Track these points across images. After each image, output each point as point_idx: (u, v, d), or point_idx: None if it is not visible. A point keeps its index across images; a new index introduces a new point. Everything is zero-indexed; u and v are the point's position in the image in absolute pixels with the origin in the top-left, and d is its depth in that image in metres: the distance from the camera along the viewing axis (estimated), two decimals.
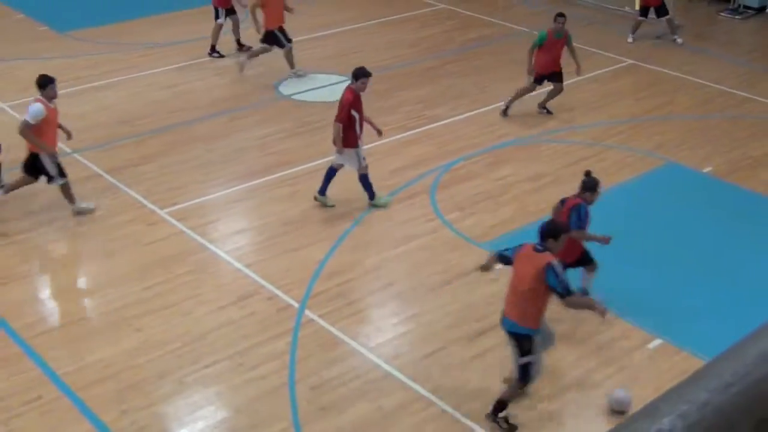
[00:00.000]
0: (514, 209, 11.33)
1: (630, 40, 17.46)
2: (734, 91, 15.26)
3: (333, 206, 11.27)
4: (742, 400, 0.69)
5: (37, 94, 10.46)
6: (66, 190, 10.83)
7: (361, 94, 11.07)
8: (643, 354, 8.66)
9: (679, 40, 17.42)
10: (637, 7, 17.37)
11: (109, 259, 10.13)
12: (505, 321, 7.57)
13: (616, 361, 8.56)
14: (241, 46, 16.69)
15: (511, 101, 13.98)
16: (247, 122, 13.75)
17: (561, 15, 13.54)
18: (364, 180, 11.18)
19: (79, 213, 10.93)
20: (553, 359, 8.51)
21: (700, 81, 15.68)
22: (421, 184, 11.91)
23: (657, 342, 8.82)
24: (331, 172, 11.20)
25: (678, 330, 9.05)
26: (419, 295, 9.55)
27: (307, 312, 9.19)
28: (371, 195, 11.28)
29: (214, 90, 14.96)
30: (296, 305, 9.29)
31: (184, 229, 10.71)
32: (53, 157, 10.59)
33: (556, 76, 13.74)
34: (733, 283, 9.88)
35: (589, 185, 9.00)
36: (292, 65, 15.45)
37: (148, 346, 8.64)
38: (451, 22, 18.74)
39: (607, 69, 16.09)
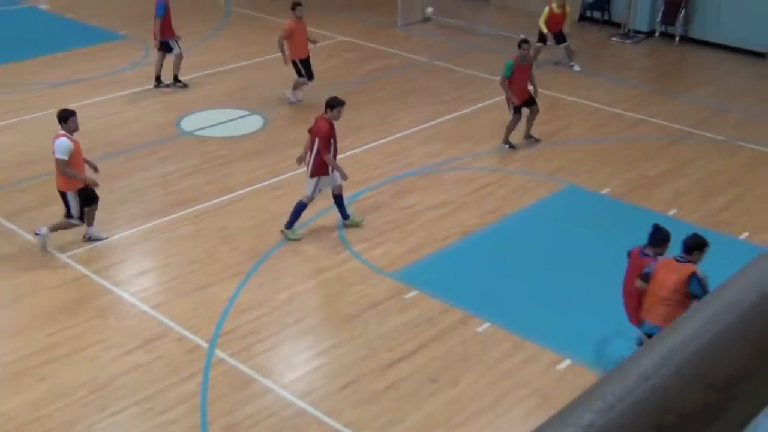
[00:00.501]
0: (421, 237, 11.42)
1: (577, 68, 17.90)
2: (628, 114, 15.75)
3: (362, 222, 11.61)
4: (624, 420, 0.72)
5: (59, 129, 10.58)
6: (65, 226, 10.92)
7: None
8: (553, 375, 8.80)
9: (577, 68, 17.91)
10: (545, 31, 17.68)
11: (11, 306, 9.82)
12: (645, 324, 8.27)
13: (527, 384, 8.67)
14: (159, 81, 16.57)
15: (507, 135, 14.12)
16: (149, 160, 13.54)
17: (525, 41, 13.96)
18: (299, 208, 11.20)
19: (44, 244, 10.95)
20: (465, 385, 8.59)
21: (596, 105, 16.14)
22: (329, 216, 11.91)
23: (566, 362, 8.98)
24: (339, 199, 11.43)
25: (586, 350, 9.24)
26: (331, 328, 9.52)
27: (217, 351, 9.06)
28: (290, 224, 11.26)
29: (114, 129, 14.70)
30: (205, 345, 9.15)
31: (88, 272, 10.46)
32: (81, 192, 10.71)
33: (530, 101, 14.02)
34: None
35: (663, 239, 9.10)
36: (293, 89, 15.82)
37: (53, 396, 8.38)
38: (351, 54, 18.87)
39: (504, 96, 16.39)
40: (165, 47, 16.38)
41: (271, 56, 18.52)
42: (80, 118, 13.43)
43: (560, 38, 17.82)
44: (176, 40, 16.43)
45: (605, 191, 12.84)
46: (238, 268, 10.60)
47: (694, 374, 0.79)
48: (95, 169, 11.14)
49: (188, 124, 14.97)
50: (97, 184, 10.90)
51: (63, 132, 10.56)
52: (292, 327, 9.56)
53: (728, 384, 0.81)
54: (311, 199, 11.26)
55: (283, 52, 15.43)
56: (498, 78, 14.16)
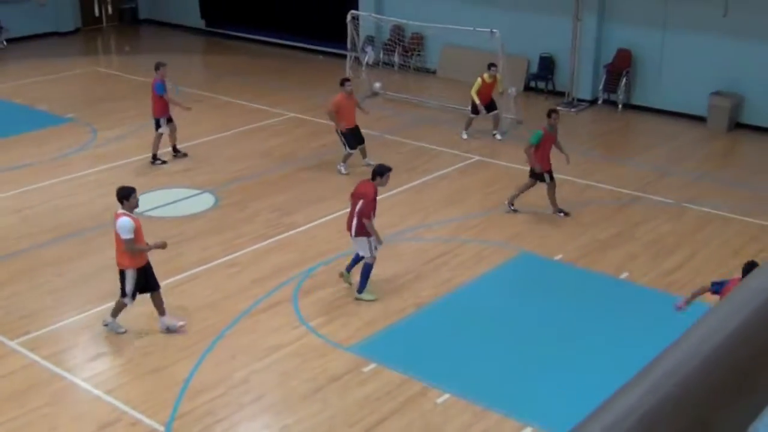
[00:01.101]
0: (377, 310, 11.36)
1: (464, 136, 18.13)
2: (577, 180, 15.99)
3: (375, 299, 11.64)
4: None
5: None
6: (120, 307, 10.68)
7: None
8: None
9: (498, 137, 18.18)
10: (477, 102, 17.99)
11: None
12: None
13: None
14: (176, 152, 17.03)
15: (514, 197, 14.33)
16: (99, 243, 13.36)
17: (554, 111, 14.49)
18: (367, 269, 11.54)
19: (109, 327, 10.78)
20: None
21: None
22: (283, 291, 11.83)
23: (528, 430, 8.92)
24: (357, 259, 11.76)
25: (547, 415, 9.19)
26: (290, 405, 9.37)
27: None
28: (362, 288, 11.56)
29: (62, 212, 14.53)
30: (162, 429, 8.94)
31: (37, 359, 10.21)
32: (139, 273, 10.51)
33: (550, 172, 14.21)
34: (596, 364, 10.15)
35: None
36: (343, 160, 16.40)
37: None
38: (301, 130, 19.00)
39: (455, 166, 16.60)
40: (157, 125, 16.69)
41: (219, 135, 18.60)
42: (28, 202, 13.35)
43: (491, 107, 18.15)
44: (167, 119, 16.69)
45: (558, 257, 12.95)
46: (194, 348, 10.43)
47: (718, 365, 0.80)
48: (163, 246, 10.70)
49: (139, 204, 14.82)
50: (165, 245, 10.68)
51: (123, 211, 10.40)
52: (250, 406, 9.40)
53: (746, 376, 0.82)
54: (374, 257, 11.56)
55: (334, 120, 16.16)
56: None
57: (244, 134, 18.72)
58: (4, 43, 27.01)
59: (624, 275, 12.39)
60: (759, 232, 13.77)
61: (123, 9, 30.57)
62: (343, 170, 16.33)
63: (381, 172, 11.63)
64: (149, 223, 14.04)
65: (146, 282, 10.63)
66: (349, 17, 21.21)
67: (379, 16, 23.22)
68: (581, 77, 20.96)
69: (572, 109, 20.67)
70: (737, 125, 19.21)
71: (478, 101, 17.91)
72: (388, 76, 21.97)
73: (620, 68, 20.50)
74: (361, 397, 9.47)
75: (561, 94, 21.27)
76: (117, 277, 12.20)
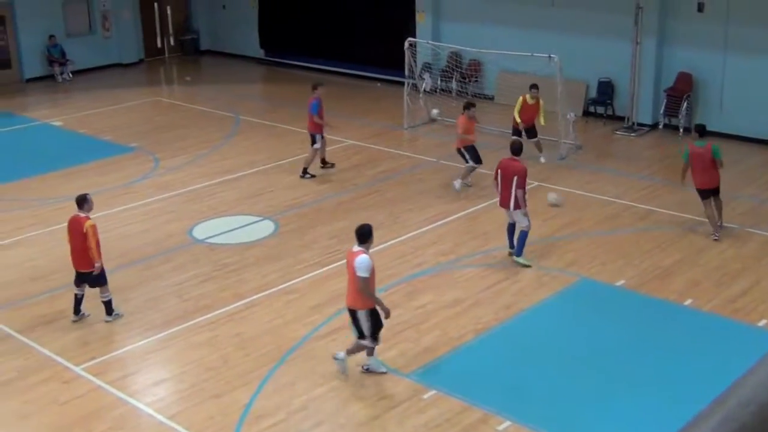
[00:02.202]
0: (436, 336, 11.34)
1: (457, 186, 17.49)
2: (638, 205, 15.81)
3: (530, 266, 13.20)
4: None
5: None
6: (358, 348, 10.39)
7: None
8: None
9: (543, 160, 18.05)
10: (518, 121, 17.98)
11: (23, 422, 9.71)
12: None
13: None
14: (325, 164, 18.08)
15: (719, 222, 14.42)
16: (162, 269, 13.59)
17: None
18: (524, 236, 13.20)
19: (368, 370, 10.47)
20: None
21: (605, 198, 16.23)
22: (342, 318, 11.84)
23: None
24: (512, 228, 13.47)
25: None
26: None
27: None
28: (519, 251, 13.25)
29: (126, 239, 14.80)
30: None
31: (102, 384, 10.38)
32: (374, 313, 10.13)
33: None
34: (660, 392, 9.98)
35: None
36: (461, 178, 16.71)
37: None
38: (359, 157, 19.12)
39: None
40: (312, 140, 17.73)
41: (279, 162, 18.80)
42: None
43: (531, 133, 18.04)
44: (321, 135, 17.69)
45: (619, 283, 12.79)
46: (254, 374, 10.51)
47: None
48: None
49: (200, 232, 15.08)
50: (388, 313, 10.27)
51: (362, 248, 10.03)
52: None
53: None
54: (530, 226, 13.23)
55: (460, 138, 16.65)
56: None
57: (303, 162, 18.87)
58: (70, 75, 27.72)
59: (687, 302, 12.19)
60: None
61: (184, 40, 31.16)
62: (458, 186, 16.52)
63: (519, 149, 13.49)
64: (210, 250, 14.26)
65: (375, 322, 10.19)
66: (406, 45, 21.34)
67: (436, 43, 23.33)
68: (641, 101, 20.76)
69: (632, 134, 20.47)
70: None
71: (519, 120, 17.90)
72: (445, 103, 22.01)
73: (681, 92, 20.26)
74: (420, 424, 9.43)
75: (621, 118, 21.09)
76: (177, 302, 12.42)
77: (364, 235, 10.10)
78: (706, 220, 14.48)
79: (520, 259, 13.27)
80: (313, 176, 17.73)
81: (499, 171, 13.41)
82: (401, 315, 11.90)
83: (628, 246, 14.09)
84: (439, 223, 15.19)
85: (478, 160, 16.71)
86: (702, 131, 14.60)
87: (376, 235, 14.54)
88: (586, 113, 21.90)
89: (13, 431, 9.63)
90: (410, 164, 18.63)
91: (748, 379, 1.08)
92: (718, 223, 14.33)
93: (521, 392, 10.07)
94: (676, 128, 20.40)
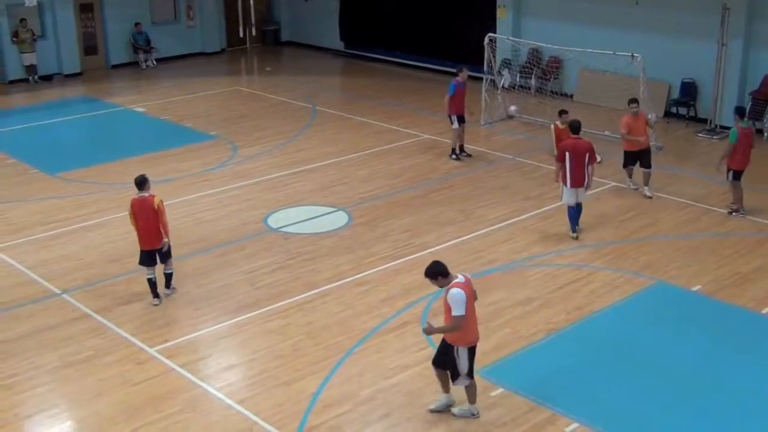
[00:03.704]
0: (506, 334, 11.27)
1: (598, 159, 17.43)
2: (718, 210, 15.47)
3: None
4: None
5: None
6: (471, 391, 9.49)
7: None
8: None
9: (599, 158, 17.36)
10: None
11: (97, 400, 9.95)
12: None
13: None
14: (462, 151, 18.50)
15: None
16: (236, 256, 13.79)
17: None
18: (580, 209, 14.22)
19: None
20: None
21: (684, 201, 15.92)
22: (412, 312, 11.88)
23: None
24: (577, 211, 14.28)
25: None
26: (416, 426, 9.39)
27: None
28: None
29: (202, 225, 15.05)
30: None
31: (174, 366, 10.58)
32: (472, 351, 9.29)
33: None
34: (732, 401, 9.77)
35: None
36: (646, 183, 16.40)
37: None
38: (435, 152, 19.08)
39: (589, 192, 16.29)
40: (450, 120, 18.36)
41: (354, 155, 18.89)
42: (172, 215, 13.86)
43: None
44: (458, 117, 18.18)
45: (696, 288, 12.54)
46: (323, 363, 10.60)
47: None
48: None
49: (274, 220, 15.25)
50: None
51: (458, 282, 9.06)
52: (377, 424, 9.46)
53: None
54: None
55: (629, 140, 16.19)
56: None
57: (378, 155, 18.95)
58: (154, 62, 28.29)
59: (765, 310, 11.89)
60: None
61: (266, 31, 31.52)
62: (648, 193, 16.25)
63: (579, 126, 14.29)
64: (284, 239, 14.42)
65: (472, 357, 9.31)
66: (486, 40, 21.22)
67: (516, 40, 23.15)
68: (725, 104, 20.27)
69: (714, 137, 20.02)
70: None
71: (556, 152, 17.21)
72: (524, 100, 21.84)
73: (767, 96, 19.73)
74: (487, 421, 9.40)
75: (703, 120, 20.65)
76: (249, 289, 12.57)
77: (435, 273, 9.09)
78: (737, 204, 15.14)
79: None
80: (459, 157, 18.43)
81: (568, 153, 13.92)
82: None
83: (706, 251, 13.79)
84: (513, 220, 15.08)
85: (625, 163, 16.53)
86: (744, 113, 15.65)
87: (448, 230, 14.62)
88: (668, 114, 21.50)
89: (86, 408, 9.88)
90: (486, 160, 18.53)
91: None
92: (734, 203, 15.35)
93: (590, 394, 9.95)
94: (760, 132, 19.88)
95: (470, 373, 9.28)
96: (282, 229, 14.91)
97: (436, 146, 19.46)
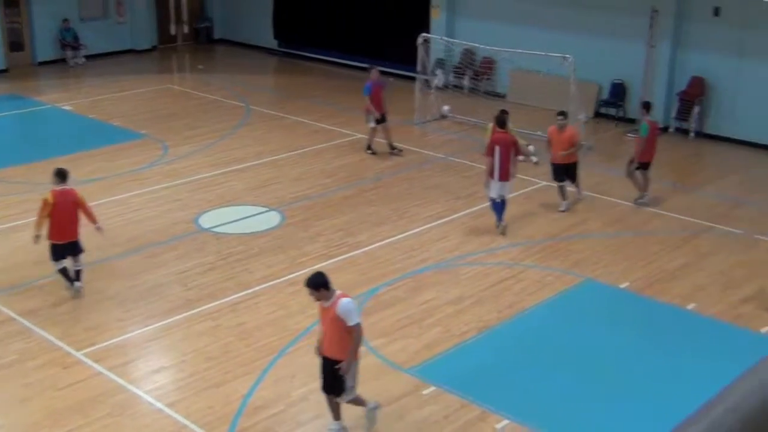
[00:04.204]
0: (438, 333, 11.32)
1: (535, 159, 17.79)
2: (645, 208, 15.76)
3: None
4: None
5: None
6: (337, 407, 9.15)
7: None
8: None
9: (535, 159, 17.79)
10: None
11: (22, 405, 9.72)
12: None
13: None
14: (392, 148, 18.71)
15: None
16: (167, 257, 13.61)
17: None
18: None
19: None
20: None
21: (612, 199, 16.18)
22: None
23: None
24: (501, 204, 14.40)
25: None
26: (348, 426, 9.36)
27: None
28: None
29: (132, 226, 14.82)
30: None
31: (102, 370, 10.39)
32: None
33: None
34: (658, 395, 9.96)
35: None
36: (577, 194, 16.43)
37: None
38: (368, 151, 19.06)
39: (520, 191, 16.48)
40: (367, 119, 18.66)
41: (287, 154, 18.79)
42: (101, 215, 13.61)
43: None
44: (372, 115, 18.44)
45: (624, 285, 12.76)
46: (254, 365, 10.52)
47: None
48: None
49: (206, 220, 15.09)
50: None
51: (342, 293, 8.76)
52: (309, 425, 9.42)
53: None
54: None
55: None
56: None
57: (311, 154, 18.89)
58: (83, 59, 27.76)
59: (691, 306, 12.15)
60: None
61: (198, 28, 31.17)
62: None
63: (505, 121, 14.88)
64: (216, 239, 14.27)
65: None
66: (420, 40, 21.30)
67: (450, 40, 23.27)
68: (653, 104, 20.65)
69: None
70: None
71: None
72: (457, 100, 21.98)
73: (693, 96, 20.18)
74: (419, 419, 9.43)
75: (632, 120, 21.01)
76: (180, 291, 12.41)
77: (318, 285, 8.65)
78: (711, 224, 14.50)
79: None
80: (374, 153, 18.70)
81: (497, 147, 14.18)
82: (404, 310, 11.90)
83: (634, 248, 14.04)
84: (445, 219, 15.17)
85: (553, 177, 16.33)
86: (650, 106, 16.26)
87: (382, 230, 14.63)
88: (598, 114, 21.83)
89: (12, 414, 9.65)
90: (419, 160, 18.59)
91: (737, 386, 1.06)
92: (645, 192, 16.01)
93: (521, 391, 10.05)
94: (686, 132, 20.31)
95: (354, 387, 8.89)
96: (214, 229, 14.76)
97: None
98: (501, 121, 14.86)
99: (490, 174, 14.28)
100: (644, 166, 15.83)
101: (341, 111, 22.26)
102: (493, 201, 14.48)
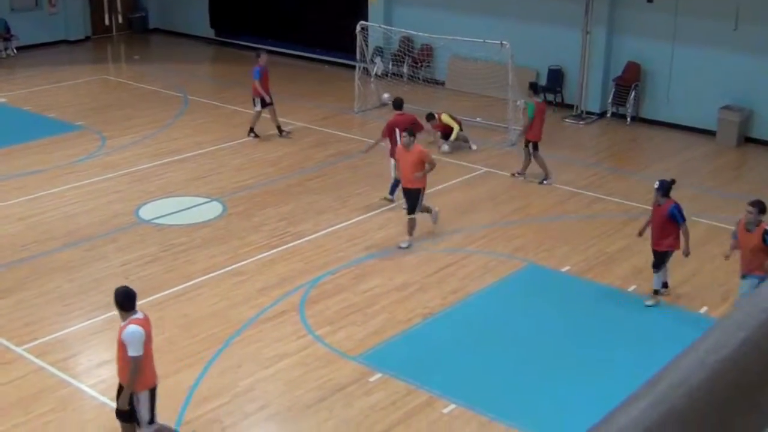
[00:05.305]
0: (383, 320, 11.37)
1: (446, 148, 18.01)
2: (585, 192, 15.98)
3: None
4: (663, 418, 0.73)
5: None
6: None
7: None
8: None
9: (474, 146, 18.17)
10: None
11: None
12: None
13: None
14: (281, 131, 18.95)
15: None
16: (108, 249, 13.41)
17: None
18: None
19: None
20: None
21: (554, 184, 16.36)
22: (290, 301, 11.83)
23: None
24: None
25: (552, 428, 9.17)
26: (295, 414, 9.37)
27: None
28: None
29: (71, 219, 14.57)
30: None
31: (44, 365, 10.22)
32: (152, 394, 8.41)
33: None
34: (602, 376, 10.12)
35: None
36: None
37: None
38: (309, 140, 19.02)
39: (462, 178, 16.60)
40: (253, 102, 18.78)
41: (227, 144, 18.64)
42: (38, 209, 13.38)
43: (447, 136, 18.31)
44: (261, 100, 18.55)
45: (565, 269, 12.93)
46: (199, 356, 10.44)
47: (724, 378, 0.80)
48: None
49: (147, 212, 14.90)
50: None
51: (136, 318, 8.21)
52: (256, 414, 9.39)
53: (752, 390, 0.82)
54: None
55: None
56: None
57: (252, 143, 18.76)
58: (14, 51, 27.14)
59: (632, 288, 12.37)
60: None
61: (133, 18, 30.69)
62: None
63: (401, 103, 15.45)
64: (157, 230, 14.10)
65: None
66: (358, 28, 21.26)
67: (388, 27, 23.27)
68: (590, 90, 20.96)
69: (580, 122, 20.67)
70: (747, 140, 19.18)
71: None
72: (396, 87, 21.99)
73: (629, 81, 20.50)
74: (366, 406, 9.46)
75: (570, 106, 21.27)
76: (116, 284, 12.23)
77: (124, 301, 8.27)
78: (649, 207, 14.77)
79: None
80: (257, 136, 18.85)
81: (396, 129, 14.59)
82: (349, 298, 11.91)
83: (575, 232, 14.24)
84: (388, 207, 15.19)
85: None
86: (537, 88, 16.83)
87: (325, 218, 14.61)
88: None
89: None
90: (360, 148, 18.56)
91: (681, 361, 1.09)
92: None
93: (467, 376, 10.14)
94: (623, 117, 20.63)
95: (152, 420, 8.39)
96: (155, 221, 14.58)
97: (310, 134, 19.40)
98: (398, 103, 15.49)
99: (392, 155, 14.65)
100: (534, 146, 16.23)
101: (280, 100, 22.09)
102: (396, 180, 14.66)
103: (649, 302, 11.82)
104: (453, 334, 11.12)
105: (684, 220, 11.64)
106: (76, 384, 9.86)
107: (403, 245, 13.50)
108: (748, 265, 10.74)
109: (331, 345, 10.71)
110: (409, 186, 13.43)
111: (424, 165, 13.25)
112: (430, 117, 18.13)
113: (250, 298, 11.88)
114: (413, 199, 13.42)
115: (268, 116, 18.89)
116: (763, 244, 10.44)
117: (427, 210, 13.85)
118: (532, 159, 16.36)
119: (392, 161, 14.81)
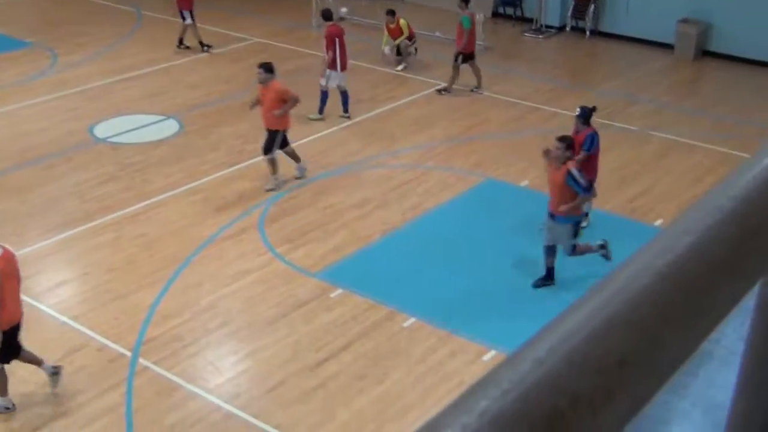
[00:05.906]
0: (343, 236, 11.40)
1: (400, 68, 17.90)
2: (543, 107, 16.00)
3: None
4: (518, 405, 0.72)
5: None
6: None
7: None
8: (480, 366, 8.88)
9: (400, 67, 18.02)
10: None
11: None
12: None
13: (454, 376, 8.74)
14: (203, 45, 18.80)
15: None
16: (62, 169, 13.23)
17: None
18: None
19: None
20: (393, 381, 8.61)
21: (511, 99, 16.35)
22: (249, 219, 11.81)
23: (491, 353, 9.07)
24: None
25: (510, 340, 9.33)
26: (256, 331, 9.44)
27: (140, 360, 8.90)
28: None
29: (23, 138, 14.31)
30: (129, 354, 8.99)
31: None
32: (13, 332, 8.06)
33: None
34: (558, 288, 10.29)
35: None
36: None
37: None
38: (265, 55, 18.66)
39: (421, 93, 16.52)
40: (181, 17, 18.64)
41: (182, 60, 18.31)
42: None
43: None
44: (189, 12, 18.47)
45: (524, 183, 13.01)
46: (160, 275, 10.43)
47: (586, 359, 0.81)
48: None
49: (102, 130, 14.67)
50: None
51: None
52: (217, 332, 9.46)
53: (618, 367, 0.82)
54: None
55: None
56: None
57: (207, 60, 18.46)
58: None
59: None
60: (722, 159, 13.90)
61: None
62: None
63: (331, 14, 15.68)
64: (112, 149, 13.92)
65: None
66: None
67: None
68: (549, 3, 20.79)
69: (540, 36, 20.56)
70: (704, 53, 19.22)
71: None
72: (354, 2, 21.65)
73: None
74: (327, 322, 9.56)
75: (529, 20, 21.12)
76: (78, 203, 12.13)
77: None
78: (606, 122, 14.83)
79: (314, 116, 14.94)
80: (188, 47, 18.77)
81: (337, 39, 14.93)
82: (309, 215, 11.92)
83: (533, 147, 14.24)
84: (347, 124, 15.11)
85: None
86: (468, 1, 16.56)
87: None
88: (495, 15, 21.84)
89: None
90: (318, 63, 18.33)
91: (624, 268, 1.10)
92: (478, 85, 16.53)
93: (427, 290, 10.25)
94: (582, 31, 20.55)
95: (4, 359, 8.03)
96: (110, 140, 14.38)
97: (266, 50, 19.09)
98: (327, 15, 15.59)
99: (332, 66, 14.89)
100: (471, 56, 16.32)
101: (235, 15, 21.69)
102: (326, 92, 15.00)
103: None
104: (412, 250, 11.20)
105: (589, 151, 11.15)
106: (36, 304, 9.82)
107: (267, 187, 12.52)
108: (556, 206, 10.14)
109: (291, 262, 10.75)
110: (268, 126, 12.51)
111: (283, 103, 12.41)
112: (390, 13, 17.94)
113: (209, 217, 11.84)
114: (269, 140, 12.50)
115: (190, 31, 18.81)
116: (566, 183, 9.90)
117: (295, 158, 12.81)
118: (464, 70, 16.40)
119: (333, 71, 14.97)
